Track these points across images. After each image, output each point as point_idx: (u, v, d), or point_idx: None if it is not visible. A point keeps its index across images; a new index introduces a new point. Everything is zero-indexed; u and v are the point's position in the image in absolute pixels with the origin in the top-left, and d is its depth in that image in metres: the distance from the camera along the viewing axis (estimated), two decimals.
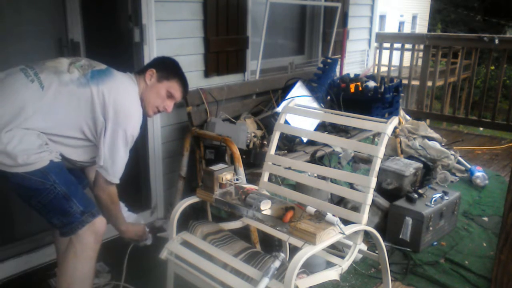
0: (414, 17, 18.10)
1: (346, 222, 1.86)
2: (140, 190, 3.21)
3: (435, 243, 2.94)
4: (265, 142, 3.00)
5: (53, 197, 1.83)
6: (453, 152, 4.18)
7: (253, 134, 3.08)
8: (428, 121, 5.80)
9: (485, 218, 3.32)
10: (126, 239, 2.29)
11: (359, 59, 5.21)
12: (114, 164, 1.96)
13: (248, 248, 1.93)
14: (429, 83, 6.06)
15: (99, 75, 1.95)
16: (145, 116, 2.13)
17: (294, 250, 1.74)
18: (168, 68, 2.17)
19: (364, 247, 2.10)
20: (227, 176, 2.07)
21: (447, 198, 3.03)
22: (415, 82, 6.54)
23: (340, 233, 1.76)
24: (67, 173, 1.92)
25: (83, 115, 1.91)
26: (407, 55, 6.70)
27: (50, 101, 1.85)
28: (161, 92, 2.12)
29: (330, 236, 1.74)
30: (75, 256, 1.90)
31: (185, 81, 2.20)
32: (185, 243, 2.02)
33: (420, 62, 7.52)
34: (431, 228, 2.87)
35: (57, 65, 1.94)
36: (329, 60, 3.97)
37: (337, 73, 4.29)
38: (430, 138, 4.43)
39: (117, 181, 2.02)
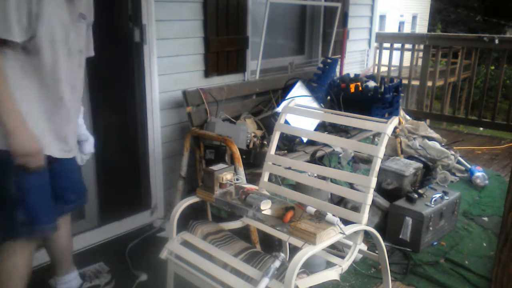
0: (414, 17, 18.09)
1: (346, 222, 1.86)
2: (140, 190, 3.21)
3: (435, 243, 2.94)
4: (265, 142, 3.00)
5: (6, 195, 1.78)
6: (453, 152, 4.17)
7: (253, 134, 3.08)
8: (428, 121, 5.80)
9: (485, 218, 3.32)
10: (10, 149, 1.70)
11: (359, 59, 5.21)
12: None
13: (248, 248, 1.93)
14: (429, 83, 6.06)
15: None
16: None
17: (294, 250, 1.74)
18: None
19: (364, 247, 2.10)
20: (227, 176, 2.07)
21: (447, 198, 3.03)
22: (415, 82, 6.53)
23: (340, 233, 1.76)
24: (40, 177, 1.80)
25: None
26: (407, 55, 6.69)
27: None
28: None
29: (330, 236, 1.74)
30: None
31: None
32: (185, 243, 2.02)
33: (420, 62, 7.52)
34: (431, 228, 2.87)
35: None
36: (329, 60, 3.97)
37: (337, 73, 4.29)
38: (430, 138, 4.43)
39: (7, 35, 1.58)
